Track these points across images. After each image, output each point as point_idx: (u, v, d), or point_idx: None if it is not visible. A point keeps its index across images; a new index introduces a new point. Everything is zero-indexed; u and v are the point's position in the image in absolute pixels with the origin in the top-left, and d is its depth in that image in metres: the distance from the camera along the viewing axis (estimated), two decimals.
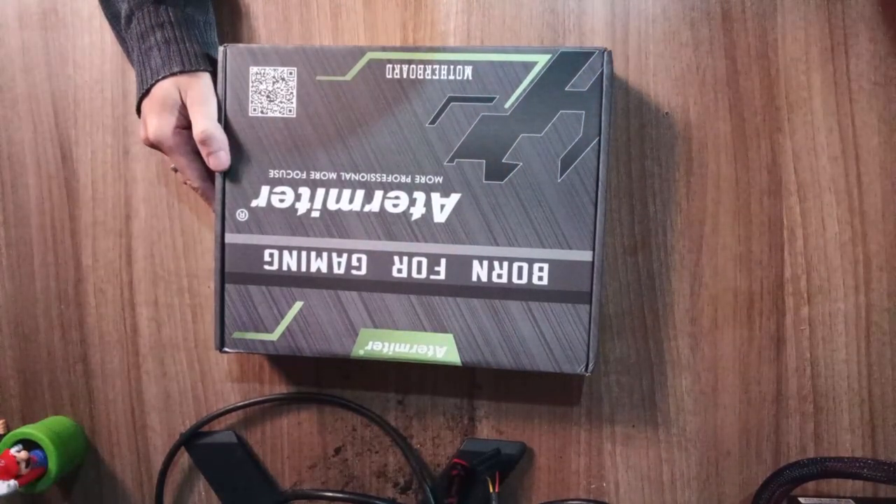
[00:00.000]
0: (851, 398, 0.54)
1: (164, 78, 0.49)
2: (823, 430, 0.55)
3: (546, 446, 0.58)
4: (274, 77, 0.51)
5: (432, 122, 0.50)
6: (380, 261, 0.51)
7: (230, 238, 0.53)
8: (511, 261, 0.50)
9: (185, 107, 0.50)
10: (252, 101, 0.52)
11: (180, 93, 0.50)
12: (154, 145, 0.51)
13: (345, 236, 0.52)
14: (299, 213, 0.52)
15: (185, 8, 0.51)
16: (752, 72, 0.53)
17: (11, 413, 0.63)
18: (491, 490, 0.55)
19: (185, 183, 0.54)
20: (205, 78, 0.51)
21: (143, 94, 0.51)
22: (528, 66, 0.49)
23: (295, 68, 0.51)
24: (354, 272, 0.52)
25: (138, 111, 0.52)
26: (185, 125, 0.51)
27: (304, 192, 0.52)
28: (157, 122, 0.50)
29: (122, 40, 0.55)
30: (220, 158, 0.51)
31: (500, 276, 0.51)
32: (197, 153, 0.52)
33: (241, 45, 0.52)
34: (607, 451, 0.57)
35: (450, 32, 0.56)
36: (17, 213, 0.61)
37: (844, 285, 0.54)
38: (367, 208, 0.51)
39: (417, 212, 0.51)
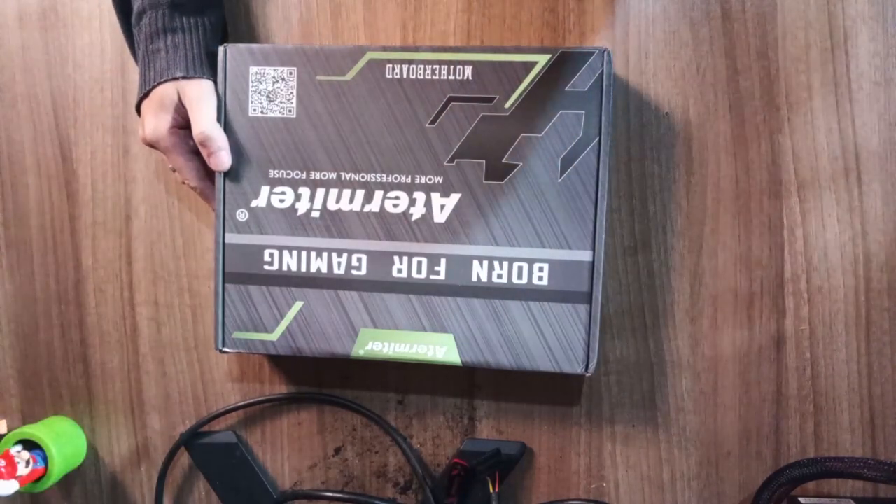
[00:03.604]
0: (851, 398, 0.54)
1: (165, 81, 0.50)
2: (823, 430, 0.55)
3: (546, 446, 0.58)
4: (274, 77, 0.51)
5: (432, 122, 0.50)
6: (380, 261, 0.51)
7: (230, 238, 0.53)
8: (511, 261, 0.50)
9: (184, 107, 0.50)
10: (252, 101, 0.52)
11: (179, 94, 0.50)
12: (152, 145, 0.51)
13: (345, 236, 0.52)
14: (299, 213, 0.52)
15: (200, 15, 0.51)
16: (752, 72, 0.53)
17: (11, 413, 0.63)
18: (491, 490, 0.55)
19: (184, 182, 0.54)
20: (206, 82, 0.51)
21: (144, 95, 0.51)
22: (528, 66, 0.49)
23: (295, 68, 0.51)
24: (354, 272, 0.52)
25: (138, 110, 0.52)
26: (182, 125, 0.51)
27: (304, 192, 0.52)
28: (154, 121, 0.50)
29: (125, 30, 0.54)
30: (220, 158, 0.51)
31: (500, 276, 0.51)
32: (194, 153, 0.52)
33: (241, 45, 0.52)
34: (607, 451, 0.57)
35: (450, 32, 0.56)
36: (17, 213, 0.61)
37: (844, 285, 0.54)
38: (367, 208, 0.51)
39: (417, 212, 0.51)
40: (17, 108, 0.60)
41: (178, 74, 0.50)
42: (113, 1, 0.54)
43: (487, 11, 0.55)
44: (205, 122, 0.50)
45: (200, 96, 0.50)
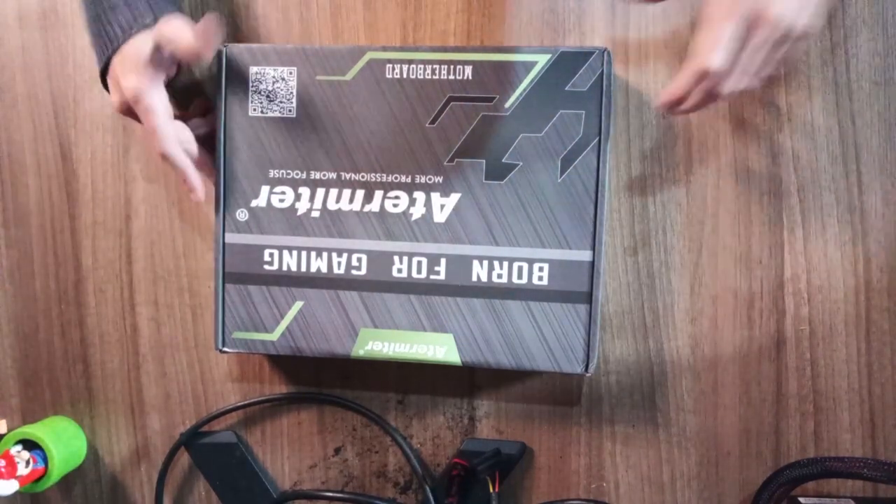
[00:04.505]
0: (851, 398, 0.54)
1: (136, 32, 0.46)
2: (823, 430, 0.55)
3: (546, 446, 0.58)
4: (274, 77, 0.51)
5: (432, 122, 0.50)
6: (380, 261, 0.51)
7: (230, 238, 0.53)
8: (511, 261, 0.50)
9: (162, 52, 0.46)
10: (252, 101, 0.52)
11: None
12: (130, 105, 0.48)
13: (345, 236, 0.52)
14: (299, 213, 0.52)
15: None
16: None
17: (11, 413, 0.63)
18: (491, 490, 0.55)
19: (159, 155, 0.49)
20: (179, 19, 0.47)
21: (112, 53, 0.47)
22: (528, 66, 0.49)
23: (295, 68, 0.51)
24: (354, 272, 0.52)
25: (103, 81, 0.49)
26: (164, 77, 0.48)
27: (304, 192, 0.52)
28: (135, 78, 0.46)
29: (88, 21, 0.50)
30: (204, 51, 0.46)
31: (500, 276, 0.51)
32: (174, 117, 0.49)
33: (241, 44, 0.52)
34: (607, 451, 0.57)
35: (450, 32, 0.56)
36: (17, 213, 0.61)
37: (844, 285, 0.54)
38: (367, 208, 0.51)
39: (417, 212, 0.51)
40: (17, 108, 0.60)
41: (149, 21, 0.46)
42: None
43: (487, 11, 0.55)
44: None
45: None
